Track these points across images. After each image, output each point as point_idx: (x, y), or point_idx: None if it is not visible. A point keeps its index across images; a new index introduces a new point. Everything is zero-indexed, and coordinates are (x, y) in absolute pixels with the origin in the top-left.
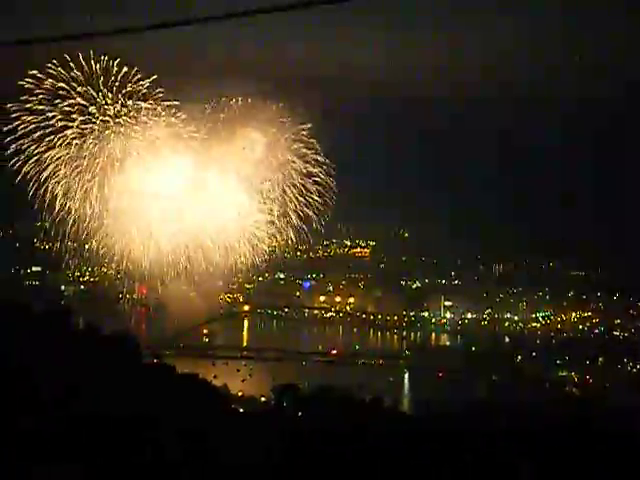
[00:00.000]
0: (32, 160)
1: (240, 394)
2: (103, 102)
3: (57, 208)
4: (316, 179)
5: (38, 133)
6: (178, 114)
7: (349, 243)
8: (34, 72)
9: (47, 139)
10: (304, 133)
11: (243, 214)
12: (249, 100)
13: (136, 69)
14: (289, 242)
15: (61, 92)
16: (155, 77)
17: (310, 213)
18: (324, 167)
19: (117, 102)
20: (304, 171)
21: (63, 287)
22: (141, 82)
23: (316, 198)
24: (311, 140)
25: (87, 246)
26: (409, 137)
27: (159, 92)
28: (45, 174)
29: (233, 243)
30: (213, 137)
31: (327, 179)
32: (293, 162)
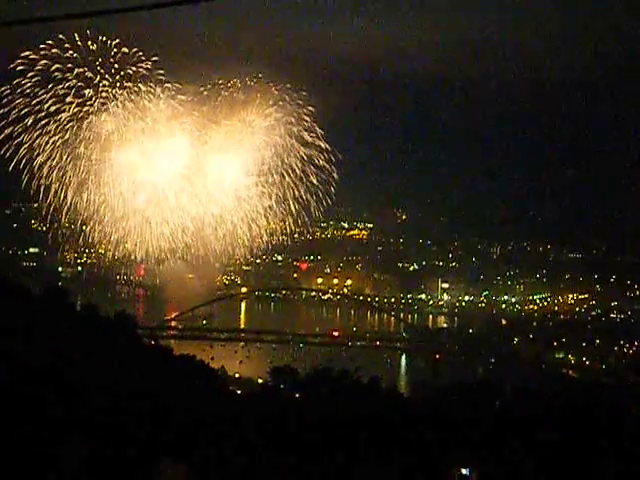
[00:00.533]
0: (26, 145)
1: (237, 376)
2: (100, 84)
3: (52, 193)
4: (315, 163)
5: (32, 118)
6: (177, 96)
7: (347, 225)
8: (27, 53)
9: (41, 123)
10: (305, 118)
11: (241, 197)
12: (249, 82)
13: (135, 50)
14: (287, 224)
15: (56, 74)
16: (155, 59)
17: (308, 197)
18: (324, 152)
19: (115, 85)
20: (304, 155)
21: (60, 269)
22: (140, 64)
23: (315, 182)
24: (312, 124)
25: (84, 228)
26: (408, 119)
27: (159, 74)
28: (40, 159)
29: (231, 225)
30: (213, 120)
31: (327, 164)
32: (292, 145)
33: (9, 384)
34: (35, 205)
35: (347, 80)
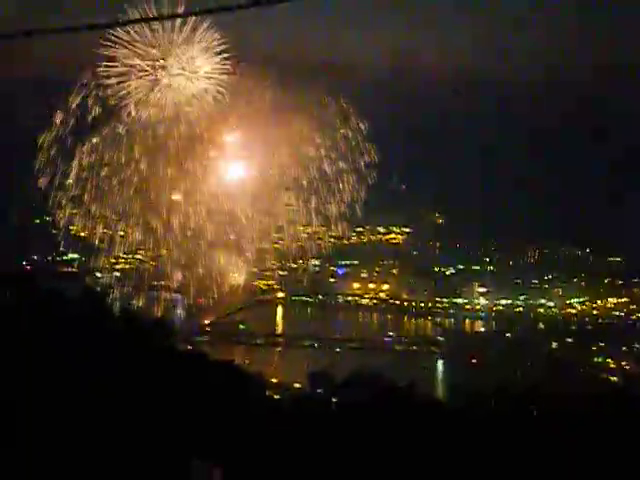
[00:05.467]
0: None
1: (274, 381)
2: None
3: (91, 199)
4: (354, 167)
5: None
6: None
7: (383, 230)
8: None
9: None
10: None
11: (278, 201)
12: (289, 88)
13: None
14: (323, 229)
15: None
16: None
17: (346, 201)
18: (364, 155)
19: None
20: (343, 159)
21: (99, 274)
22: None
23: (353, 186)
24: (356, 129)
25: (122, 233)
26: (442, 123)
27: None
28: (82, 163)
29: (269, 230)
30: (253, 124)
31: (365, 168)
32: (333, 149)
33: (46, 387)
34: (74, 211)
35: (384, 83)
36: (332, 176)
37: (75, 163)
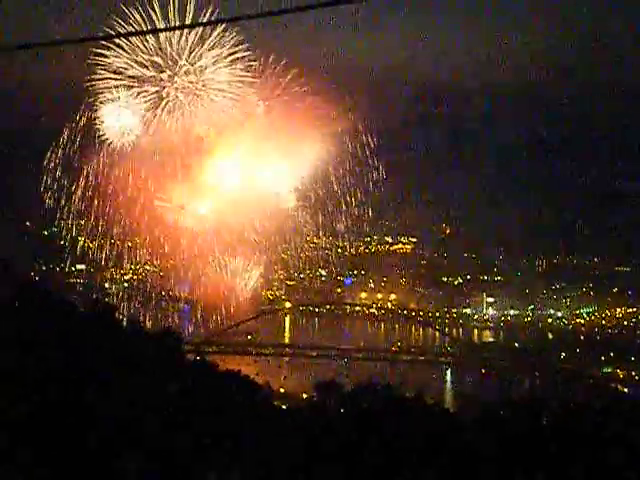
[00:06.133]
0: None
1: (282, 391)
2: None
3: (99, 210)
4: (361, 179)
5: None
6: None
7: (390, 240)
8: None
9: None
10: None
11: (285, 212)
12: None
13: None
14: (331, 239)
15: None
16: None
17: (353, 212)
18: (371, 168)
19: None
20: (351, 170)
21: (107, 285)
22: None
23: (359, 198)
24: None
25: (130, 245)
26: (452, 134)
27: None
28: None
29: (277, 241)
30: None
31: (372, 178)
32: (341, 160)
33: (59, 400)
34: (82, 222)
35: (393, 91)
36: (340, 188)
37: (82, 178)
